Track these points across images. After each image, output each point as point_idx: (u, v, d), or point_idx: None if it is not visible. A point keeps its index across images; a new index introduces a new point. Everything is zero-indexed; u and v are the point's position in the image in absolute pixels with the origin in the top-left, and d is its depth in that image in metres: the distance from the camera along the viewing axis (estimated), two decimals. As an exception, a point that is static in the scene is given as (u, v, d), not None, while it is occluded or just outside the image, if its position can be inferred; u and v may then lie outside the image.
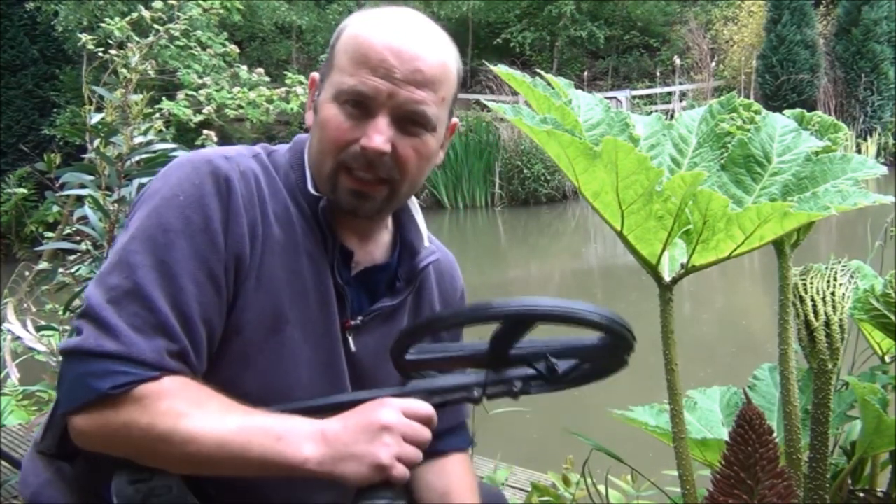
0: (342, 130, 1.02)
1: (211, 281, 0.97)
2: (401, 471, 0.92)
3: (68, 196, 2.31)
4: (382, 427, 0.93)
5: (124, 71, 2.25)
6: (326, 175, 1.04)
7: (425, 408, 0.97)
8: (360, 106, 1.01)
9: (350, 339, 1.10)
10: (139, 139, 2.01)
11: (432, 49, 1.03)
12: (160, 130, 2.44)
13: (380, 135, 1.00)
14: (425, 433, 0.95)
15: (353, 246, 1.11)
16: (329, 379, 1.07)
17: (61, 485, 1.04)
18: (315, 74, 1.11)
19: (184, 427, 0.91)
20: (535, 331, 1.01)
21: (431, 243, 1.19)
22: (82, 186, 2.01)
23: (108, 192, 2.00)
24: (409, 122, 1.03)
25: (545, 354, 1.02)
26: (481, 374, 1.02)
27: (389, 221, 1.17)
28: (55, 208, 2.40)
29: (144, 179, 2.02)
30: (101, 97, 2.12)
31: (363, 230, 1.13)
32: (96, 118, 2.07)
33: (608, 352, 1.03)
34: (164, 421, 0.91)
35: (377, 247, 1.15)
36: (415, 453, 0.94)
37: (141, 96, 2.13)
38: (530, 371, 1.02)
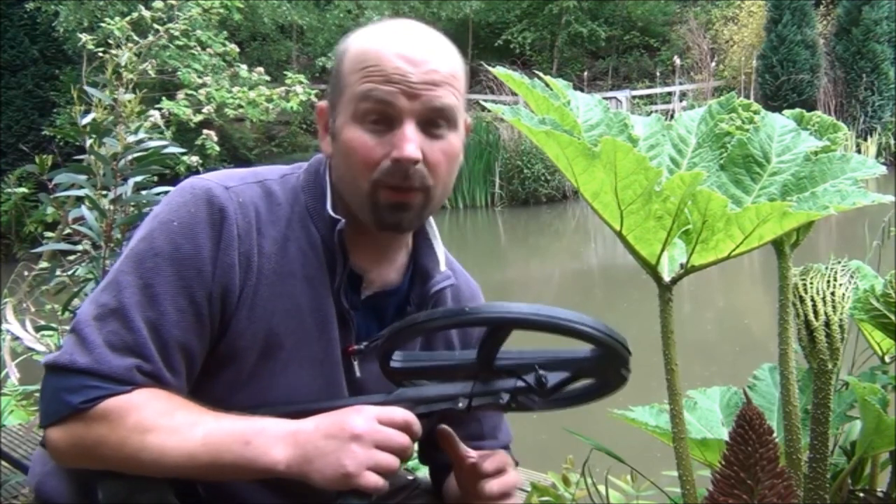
0: (369, 149, 1.01)
1: (192, 308, 0.98)
2: (369, 479, 0.90)
3: (68, 197, 2.31)
4: (352, 435, 0.91)
5: (120, 70, 2.25)
6: (364, 196, 1.03)
7: (402, 414, 0.95)
8: (383, 119, 1.01)
9: (355, 364, 1.09)
10: (132, 138, 2.01)
11: (439, 50, 1.04)
12: (154, 126, 2.44)
13: (410, 142, 1.00)
14: (401, 440, 0.93)
15: (368, 268, 1.11)
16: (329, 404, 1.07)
17: (62, 475, 1.06)
18: (322, 103, 1.11)
19: (151, 443, 0.92)
20: (528, 343, 0.99)
21: (451, 269, 1.18)
22: (79, 187, 2.01)
23: (104, 192, 2.00)
24: (433, 123, 1.03)
25: (534, 366, 0.99)
26: (469, 384, 1.00)
27: (409, 241, 1.16)
28: (50, 210, 2.40)
29: (139, 178, 2.02)
30: (91, 96, 2.12)
31: (382, 250, 1.12)
32: (88, 118, 2.07)
33: (600, 365, 1.00)
34: (132, 437, 0.92)
35: (393, 268, 1.14)
36: (388, 461, 0.92)
37: (133, 95, 2.13)
38: (519, 383, 1.00)
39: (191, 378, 1.01)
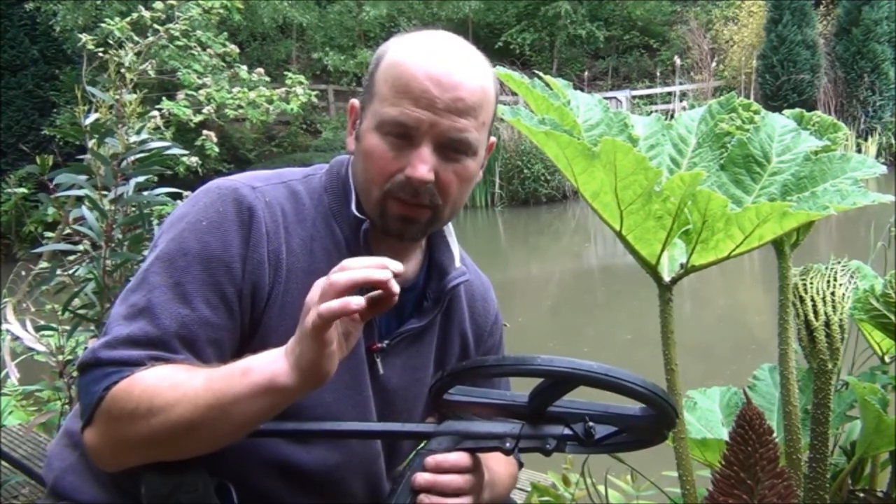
0: (386, 161, 1.04)
1: (223, 304, 1.00)
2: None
3: (68, 197, 2.31)
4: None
5: (123, 70, 2.25)
6: (374, 203, 1.07)
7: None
8: (403, 136, 1.03)
9: (378, 361, 1.11)
10: (134, 138, 2.01)
11: (472, 75, 1.05)
12: (156, 128, 2.43)
13: (424, 164, 1.02)
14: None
15: None
16: (354, 400, 1.09)
17: (85, 471, 1.07)
18: (354, 101, 1.13)
19: (157, 404, 0.93)
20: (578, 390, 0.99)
21: (465, 266, 1.20)
22: (80, 187, 2.01)
23: (104, 192, 2.00)
24: (451, 149, 1.04)
25: (584, 417, 1.00)
26: (517, 425, 1.01)
27: (423, 241, 1.18)
28: (51, 210, 2.40)
29: (141, 178, 2.02)
30: (94, 96, 2.12)
31: (399, 250, 1.14)
32: (91, 118, 2.06)
33: (649, 424, 1.01)
34: (140, 405, 0.93)
35: (410, 265, 1.16)
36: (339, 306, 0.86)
37: (135, 95, 2.13)
38: (566, 431, 1.01)
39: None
